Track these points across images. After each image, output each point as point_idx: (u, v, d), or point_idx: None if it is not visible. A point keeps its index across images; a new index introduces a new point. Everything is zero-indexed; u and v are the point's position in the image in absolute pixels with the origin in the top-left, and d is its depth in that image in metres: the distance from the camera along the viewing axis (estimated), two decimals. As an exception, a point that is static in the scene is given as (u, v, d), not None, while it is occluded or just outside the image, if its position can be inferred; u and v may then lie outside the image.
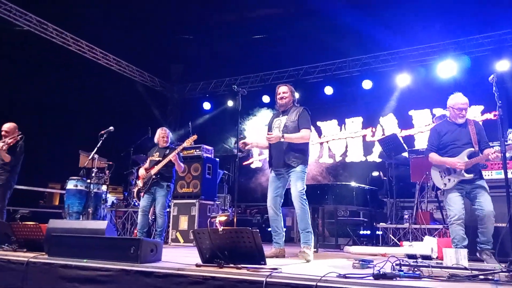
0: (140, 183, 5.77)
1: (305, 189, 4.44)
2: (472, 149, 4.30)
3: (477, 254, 4.19)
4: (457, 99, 4.45)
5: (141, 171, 5.84)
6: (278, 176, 4.59)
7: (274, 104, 4.92)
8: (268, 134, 4.49)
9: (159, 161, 5.65)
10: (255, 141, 4.87)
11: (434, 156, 4.52)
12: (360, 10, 7.95)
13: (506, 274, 2.80)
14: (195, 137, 5.72)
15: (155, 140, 5.98)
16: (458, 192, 4.33)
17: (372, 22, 8.04)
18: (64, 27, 9.36)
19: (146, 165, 5.84)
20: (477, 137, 4.33)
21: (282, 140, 4.39)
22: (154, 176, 5.62)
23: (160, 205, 5.63)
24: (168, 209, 6.21)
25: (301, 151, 4.49)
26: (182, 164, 5.81)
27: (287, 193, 4.65)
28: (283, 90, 4.70)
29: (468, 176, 4.25)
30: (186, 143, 5.71)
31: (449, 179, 4.39)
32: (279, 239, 4.56)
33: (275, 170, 4.61)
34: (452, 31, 8.73)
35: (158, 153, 5.83)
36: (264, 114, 9.06)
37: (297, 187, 4.39)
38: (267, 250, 4.43)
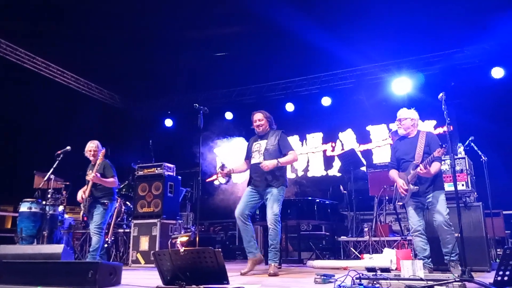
0: (82, 207, 5.54)
1: (279, 211, 4.59)
2: (415, 162, 4.40)
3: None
4: (398, 112, 4.73)
5: (79, 194, 5.57)
6: (255, 191, 4.73)
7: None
8: (263, 163, 4.60)
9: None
10: (233, 167, 4.95)
11: (391, 174, 4.72)
12: (319, 29, 8.17)
13: (459, 283, 2.93)
14: (103, 151, 5.52)
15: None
16: (414, 205, 4.47)
17: (330, 41, 8.28)
18: (18, 43, 9.05)
19: (85, 186, 5.56)
20: (426, 149, 4.43)
21: (279, 165, 4.58)
22: (88, 198, 5.42)
23: (94, 223, 5.38)
24: (105, 226, 5.69)
25: (282, 172, 4.71)
26: (110, 179, 5.50)
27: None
28: (258, 118, 4.91)
29: (413, 188, 4.40)
30: (99, 160, 5.46)
31: (405, 194, 4.54)
32: (251, 248, 4.63)
33: (253, 187, 4.74)
34: (405, 49, 9.12)
35: (90, 171, 5.57)
36: (227, 131, 9.09)
37: (273, 210, 4.55)
38: (243, 267, 4.46)
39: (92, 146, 5.67)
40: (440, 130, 8.73)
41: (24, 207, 6.49)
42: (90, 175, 5.37)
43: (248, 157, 4.94)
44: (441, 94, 4.08)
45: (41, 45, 9.06)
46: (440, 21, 8.12)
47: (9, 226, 9.70)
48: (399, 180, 4.52)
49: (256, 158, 4.76)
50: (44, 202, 6.44)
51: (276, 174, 4.63)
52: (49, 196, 6.37)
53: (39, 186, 6.56)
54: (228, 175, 4.86)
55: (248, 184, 4.83)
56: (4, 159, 9.00)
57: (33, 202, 6.54)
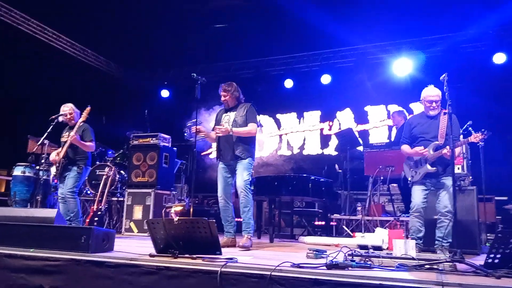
0: (53, 168, 5.46)
1: (250, 179, 4.65)
2: (437, 142, 4.35)
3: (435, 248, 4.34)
4: (428, 91, 4.52)
5: (53, 155, 5.44)
6: (227, 167, 4.75)
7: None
8: (216, 127, 4.64)
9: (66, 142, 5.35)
10: (207, 132, 4.92)
11: (404, 148, 4.66)
12: (321, 5, 8.02)
13: (450, 264, 2.95)
14: (88, 109, 5.45)
15: None
16: (423, 185, 4.44)
17: (332, 18, 8.14)
18: (13, 4, 8.80)
19: (60, 148, 5.47)
20: (448, 130, 4.29)
21: (230, 133, 4.59)
22: (62, 160, 5.33)
23: (66, 188, 5.32)
24: (77, 191, 5.58)
25: (248, 144, 4.70)
26: (89, 143, 5.42)
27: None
28: (222, 92, 4.91)
29: (431, 169, 4.35)
30: (82, 118, 5.38)
31: (416, 172, 4.51)
32: (230, 229, 4.70)
33: (223, 161, 4.76)
34: (408, 30, 8.98)
35: (67, 133, 5.44)
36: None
37: (243, 177, 4.59)
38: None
39: (66, 109, 5.55)
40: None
41: (17, 171, 6.46)
42: (70, 136, 5.23)
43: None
44: (443, 75, 4.02)
45: (37, 7, 8.81)
46: (442, 2, 7.98)
47: (2, 190, 9.68)
48: (416, 148, 4.45)
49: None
50: (37, 167, 6.40)
51: (243, 146, 4.64)
52: (42, 161, 6.32)
53: (33, 151, 6.50)
54: (199, 132, 4.76)
55: (217, 158, 4.83)
56: (-2, 122, 8.91)
57: (26, 166, 6.51)
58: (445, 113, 4.21)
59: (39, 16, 9.25)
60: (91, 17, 8.95)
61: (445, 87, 4.03)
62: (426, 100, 4.52)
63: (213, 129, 4.99)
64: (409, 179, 4.61)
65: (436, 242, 4.33)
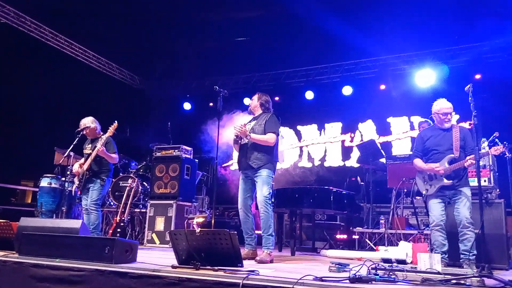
0: (76, 180, 5.52)
1: (270, 193, 4.53)
2: (452, 155, 4.35)
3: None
4: (442, 104, 4.52)
5: (75, 167, 5.51)
6: (246, 179, 4.68)
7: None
8: (235, 125, 4.56)
9: (90, 155, 5.43)
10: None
11: (417, 162, 4.62)
12: (342, 17, 8.03)
13: (478, 279, 2.86)
14: (115, 125, 5.52)
15: None
16: (439, 198, 4.40)
17: (353, 29, 8.13)
18: (42, 21, 9.13)
19: (82, 160, 5.56)
20: (461, 143, 4.38)
21: (248, 138, 4.52)
22: (86, 172, 5.40)
23: (91, 199, 5.38)
24: (100, 205, 5.64)
25: (265, 153, 4.54)
26: (113, 155, 5.49)
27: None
28: (252, 98, 4.96)
29: (447, 182, 4.33)
30: (108, 133, 5.45)
31: (430, 185, 4.46)
32: (251, 241, 4.63)
33: (243, 172, 4.71)
34: (430, 41, 8.90)
35: (90, 145, 5.53)
36: (245, 117, 9.06)
37: (262, 192, 4.47)
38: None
39: (82, 123, 5.62)
40: (463, 124, 8.53)
41: (44, 182, 6.63)
42: (97, 148, 5.30)
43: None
44: (468, 86, 3.97)
45: (64, 23, 9.13)
46: (467, 13, 7.87)
47: (29, 200, 9.94)
48: (431, 164, 4.43)
49: (244, 139, 4.67)
50: (63, 179, 6.55)
51: (257, 155, 4.51)
52: (68, 173, 6.47)
53: (59, 163, 6.67)
54: (239, 137, 4.66)
55: (238, 168, 4.78)
56: (26, 134, 9.18)
57: (53, 177, 6.68)
58: (470, 124, 4.15)
59: (66, 31, 9.57)
60: (116, 32, 9.21)
61: (470, 98, 3.97)
62: (440, 113, 4.51)
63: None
64: (423, 192, 4.56)
65: (462, 256, 4.22)
